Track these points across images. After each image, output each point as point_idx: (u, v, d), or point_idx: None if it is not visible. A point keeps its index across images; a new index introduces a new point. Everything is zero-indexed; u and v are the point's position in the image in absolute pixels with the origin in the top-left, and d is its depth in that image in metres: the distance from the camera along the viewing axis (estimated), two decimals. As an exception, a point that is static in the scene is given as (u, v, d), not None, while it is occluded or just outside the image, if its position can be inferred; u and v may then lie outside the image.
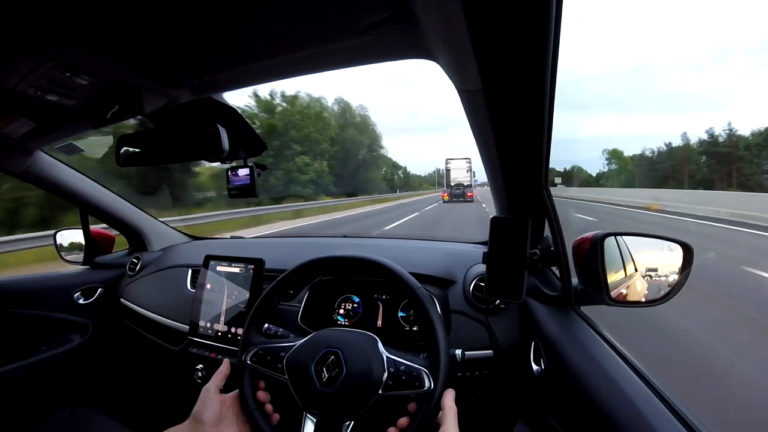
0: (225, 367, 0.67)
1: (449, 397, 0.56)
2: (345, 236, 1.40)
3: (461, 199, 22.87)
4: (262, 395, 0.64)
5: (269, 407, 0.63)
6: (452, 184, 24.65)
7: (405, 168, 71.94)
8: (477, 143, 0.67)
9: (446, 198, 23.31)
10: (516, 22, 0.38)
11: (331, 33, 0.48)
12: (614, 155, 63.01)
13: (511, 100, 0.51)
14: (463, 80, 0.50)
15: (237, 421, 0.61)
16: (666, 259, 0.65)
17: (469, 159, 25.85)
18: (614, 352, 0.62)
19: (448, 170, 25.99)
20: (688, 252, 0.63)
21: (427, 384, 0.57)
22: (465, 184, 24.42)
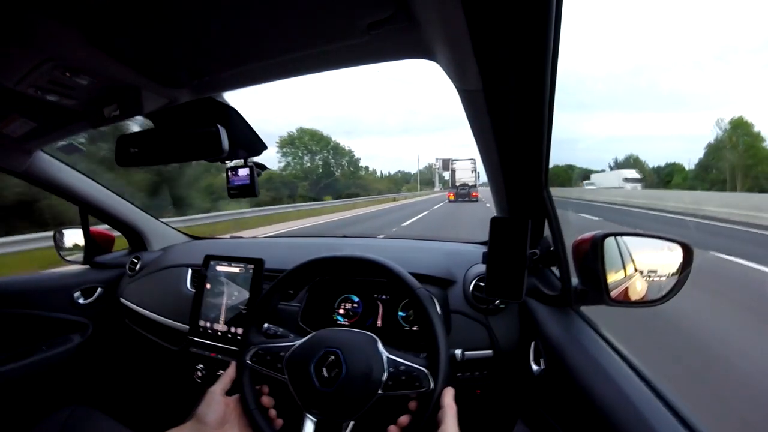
0: (232, 369, 0.66)
1: (449, 396, 0.56)
2: (345, 236, 1.40)
3: (467, 198, 23.66)
4: (266, 400, 0.64)
5: (273, 412, 0.63)
6: (458, 184, 25.59)
7: (351, 154, 38.53)
8: (477, 143, 0.67)
9: (452, 198, 24.23)
10: (516, 22, 0.38)
11: (331, 33, 0.47)
12: (738, 126, 30.27)
13: (511, 100, 0.51)
14: (463, 80, 0.50)
15: (239, 424, 0.61)
16: (666, 259, 0.65)
17: (474, 160, 26.23)
18: (614, 352, 0.62)
19: (453, 171, 26.89)
20: (687, 252, 0.63)
21: (426, 384, 0.57)
22: (470, 184, 25.32)
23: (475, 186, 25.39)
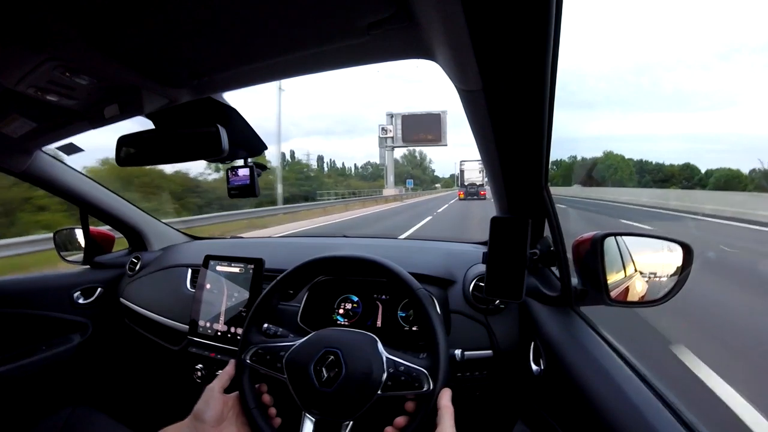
0: (231, 367, 0.67)
1: (446, 397, 0.56)
2: (345, 236, 1.40)
3: (475, 197, 26.05)
4: (266, 398, 0.64)
5: (273, 410, 0.63)
6: (466, 183, 28.18)
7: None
8: (477, 143, 0.67)
9: (462, 196, 27.11)
10: (516, 22, 0.38)
11: (331, 33, 0.47)
12: None
13: (511, 100, 0.51)
14: (463, 80, 0.50)
15: (237, 422, 0.61)
16: (666, 259, 0.65)
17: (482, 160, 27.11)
18: (614, 352, 0.62)
19: (462, 171, 29.30)
20: (687, 252, 0.63)
21: (426, 385, 0.57)
22: (477, 183, 27.70)
23: (482, 185, 27.06)
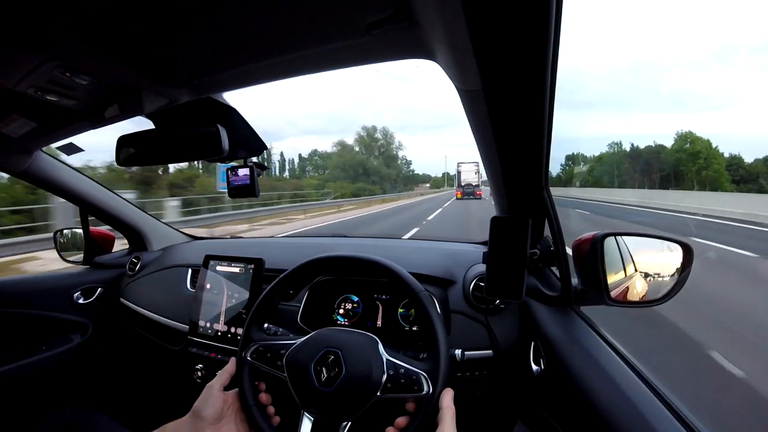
0: (231, 365, 0.66)
1: (447, 397, 0.56)
2: (344, 236, 1.40)
3: (471, 196, 28.40)
4: (264, 397, 0.64)
5: (271, 409, 0.63)
6: (463, 184, 30.71)
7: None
8: (477, 143, 0.67)
9: (459, 195, 29.52)
10: (516, 22, 0.38)
11: (331, 33, 0.48)
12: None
13: (511, 100, 0.51)
14: (463, 80, 0.50)
15: (236, 419, 0.61)
16: (666, 259, 0.65)
17: (477, 163, 30.57)
18: (614, 352, 0.62)
19: (459, 173, 32.11)
20: (687, 252, 0.63)
21: (426, 388, 0.56)
22: (473, 184, 30.23)
23: (478, 185, 29.89)
